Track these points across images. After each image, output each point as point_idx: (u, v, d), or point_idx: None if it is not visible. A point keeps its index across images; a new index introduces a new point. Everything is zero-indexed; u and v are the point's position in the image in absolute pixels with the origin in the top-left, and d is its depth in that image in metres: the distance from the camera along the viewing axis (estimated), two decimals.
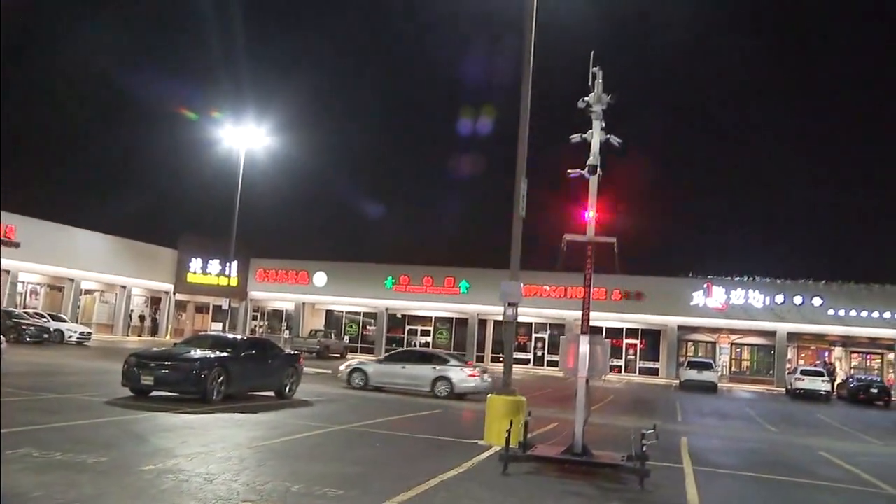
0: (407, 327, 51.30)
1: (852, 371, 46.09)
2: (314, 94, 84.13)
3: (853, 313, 42.79)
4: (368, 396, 20.45)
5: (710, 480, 10.77)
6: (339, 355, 42.88)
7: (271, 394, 17.38)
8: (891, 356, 45.76)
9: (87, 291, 45.32)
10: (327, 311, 53.31)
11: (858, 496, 10.95)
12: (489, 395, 12.94)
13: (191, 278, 50.36)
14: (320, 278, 50.33)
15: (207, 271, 50.14)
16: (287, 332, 49.35)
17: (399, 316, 51.30)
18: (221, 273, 47.03)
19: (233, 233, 34.63)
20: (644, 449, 9.55)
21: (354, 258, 51.20)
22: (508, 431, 9.99)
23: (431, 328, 50.91)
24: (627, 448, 10.87)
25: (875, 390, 36.37)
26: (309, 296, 51.17)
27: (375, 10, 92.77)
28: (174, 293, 51.00)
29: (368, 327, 52.00)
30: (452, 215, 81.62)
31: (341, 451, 11.00)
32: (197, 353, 15.47)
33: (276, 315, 54.25)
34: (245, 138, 34.81)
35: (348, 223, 76.04)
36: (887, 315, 42.44)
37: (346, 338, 49.77)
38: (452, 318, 50.07)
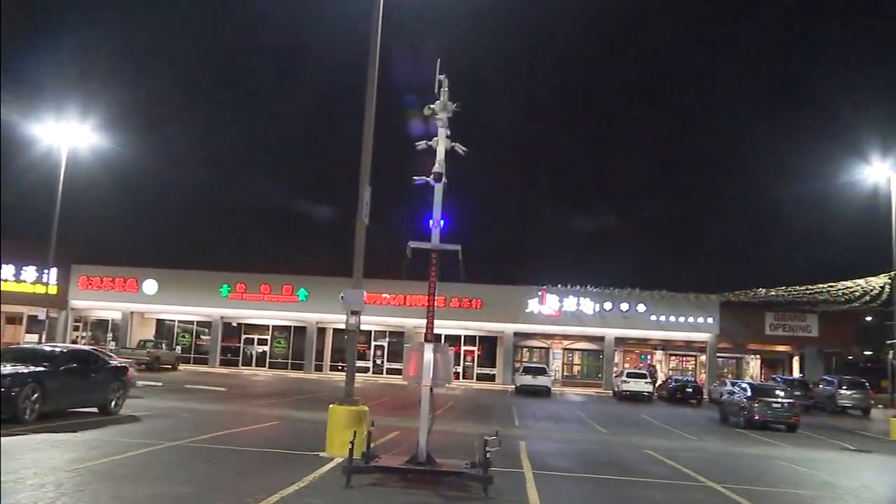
0: (243, 336, 49.64)
1: (671, 373, 49.41)
2: (149, 93, 79.75)
3: (672, 318, 45.79)
4: (202, 409, 19.53)
5: (550, 483, 11.03)
6: (170, 366, 40.85)
7: (95, 410, 16.16)
8: (703, 358, 49.42)
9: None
10: (158, 321, 50.54)
11: (681, 490, 11.59)
12: (331, 406, 12.63)
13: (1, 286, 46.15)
14: (150, 286, 47.65)
15: (21, 278, 46.12)
16: (113, 342, 46.33)
17: (235, 325, 49.57)
18: (38, 280, 43.49)
19: (52, 237, 32.03)
20: (487, 456, 9.62)
21: (188, 265, 48.85)
22: (352, 442, 9.77)
23: (269, 337, 49.56)
24: (469, 455, 10.94)
25: (690, 390, 39.27)
26: (138, 304, 48.27)
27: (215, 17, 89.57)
28: None
29: (202, 336, 49.81)
30: (292, 221, 79.90)
31: (173, 470, 10.34)
32: (6, 369, 14.07)
33: (101, 325, 50.79)
34: (67, 135, 32.31)
35: (182, 229, 72.54)
36: (700, 320, 45.77)
37: (179, 348, 47.47)
38: (291, 327, 48.97)
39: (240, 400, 24.18)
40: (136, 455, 11.23)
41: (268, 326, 49.42)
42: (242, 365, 48.39)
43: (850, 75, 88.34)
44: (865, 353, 65.95)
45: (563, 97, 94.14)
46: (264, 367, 48.32)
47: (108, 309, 49.28)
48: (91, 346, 25.85)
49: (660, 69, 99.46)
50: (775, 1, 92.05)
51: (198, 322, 49.74)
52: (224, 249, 63.95)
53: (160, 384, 28.31)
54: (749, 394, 25.59)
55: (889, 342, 35.78)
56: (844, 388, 38.32)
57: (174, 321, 50.18)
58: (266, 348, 49.37)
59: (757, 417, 24.53)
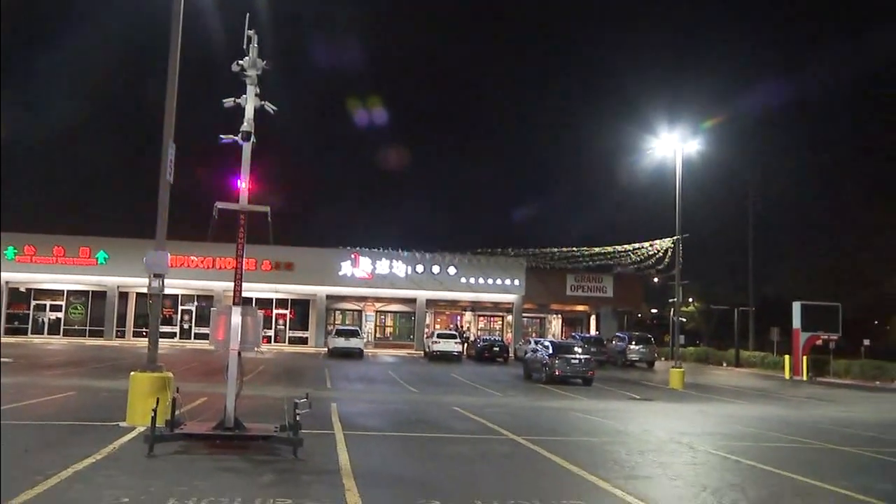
0: (33, 302, 45.87)
1: (480, 333, 51.43)
2: None
3: (481, 281, 47.52)
4: None
5: (360, 443, 11.18)
6: None
7: None
8: (509, 318, 51.83)
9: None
10: None
11: (486, 443, 12.17)
12: (132, 373, 12.04)
13: None
14: None
15: None
16: None
17: (23, 290, 45.65)
18: None
19: None
20: (297, 418, 9.58)
21: None
22: (154, 410, 9.37)
23: (63, 302, 46.12)
24: (281, 419, 10.85)
25: (497, 349, 41.08)
26: None
27: None
28: None
29: None
30: (93, 181, 74.31)
31: None
32: None
33: None
34: None
35: None
36: (508, 282, 47.85)
37: None
38: (89, 292, 45.85)
39: (29, 371, 22.41)
40: None
41: (62, 291, 45.99)
42: (32, 333, 44.82)
43: (642, 56, 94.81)
44: (652, 311, 72.09)
45: (368, 47, 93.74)
46: (58, 334, 45.02)
47: None
48: None
49: (463, 41, 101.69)
50: None
51: None
52: (9, 208, 58.50)
53: None
54: (550, 351, 27.21)
55: (671, 300, 39.24)
56: (633, 343, 41.90)
57: None
58: (60, 315, 45.99)
59: (557, 373, 26.17)
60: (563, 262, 44.29)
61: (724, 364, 46.63)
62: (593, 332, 51.90)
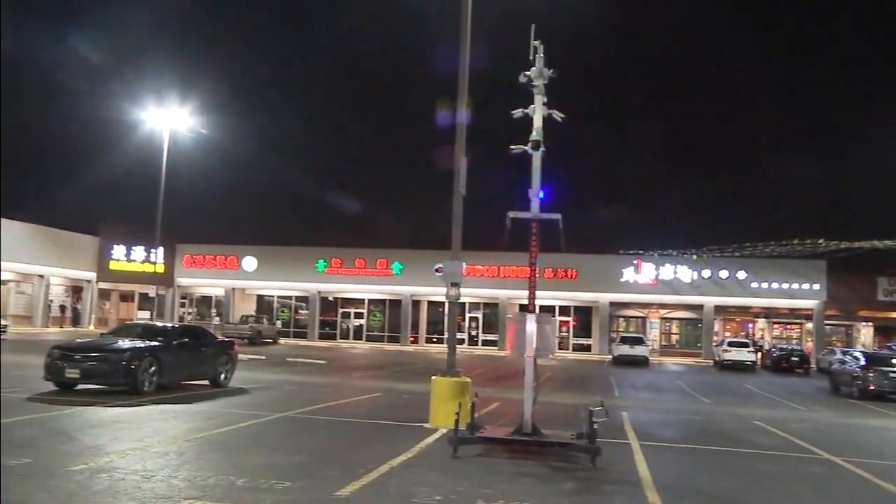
0: (340, 310, 50.75)
1: (774, 341, 47.74)
2: (243, 77, 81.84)
3: (775, 285, 44.14)
4: (305, 382, 20.06)
5: (657, 454, 10.79)
6: (271, 340, 42.16)
7: (206, 383, 16.81)
8: (809, 325, 47.51)
9: (2, 282, 43.06)
10: (258, 296, 52.24)
11: (797, 462, 11.13)
12: (433, 378, 12.71)
13: (114, 266, 48.42)
14: (250, 263, 49.21)
15: (131, 258, 48.37)
16: (217, 318, 48.14)
17: (331, 299, 50.69)
18: (147, 260, 45.55)
19: (157, 218, 33.43)
20: (594, 426, 9.48)
21: (285, 242, 50.19)
22: (457, 413, 9.79)
23: (365, 310, 50.49)
24: (572, 425, 10.81)
25: (796, 359, 37.82)
26: (239, 281, 49.99)
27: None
28: (97, 281, 49.05)
29: (301, 311, 51.22)
30: (384, 196, 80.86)
31: (283, 441, 10.63)
32: (126, 343, 14.78)
33: (205, 301, 52.90)
34: (168, 119, 33.50)
35: (278, 207, 74.55)
36: (806, 286, 43.95)
37: (279, 322, 48.91)
38: (386, 300, 49.73)
39: (340, 372, 24.73)
40: (248, 426, 11.59)
41: (364, 300, 50.34)
42: (340, 338, 49.52)
43: None
44: None
45: (657, 52, 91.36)
46: (361, 339, 49.30)
47: (211, 286, 51.28)
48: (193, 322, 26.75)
49: (758, 20, 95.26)
50: None
51: (296, 297, 51.12)
52: (319, 226, 65.49)
53: (263, 358, 29.25)
54: (863, 363, 24.43)
55: None
56: None
57: (273, 296, 51.72)
58: (363, 321, 50.34)
59: (872, 388, 23.38)
60: (872, 261, 39.59)
61: None
62: None
